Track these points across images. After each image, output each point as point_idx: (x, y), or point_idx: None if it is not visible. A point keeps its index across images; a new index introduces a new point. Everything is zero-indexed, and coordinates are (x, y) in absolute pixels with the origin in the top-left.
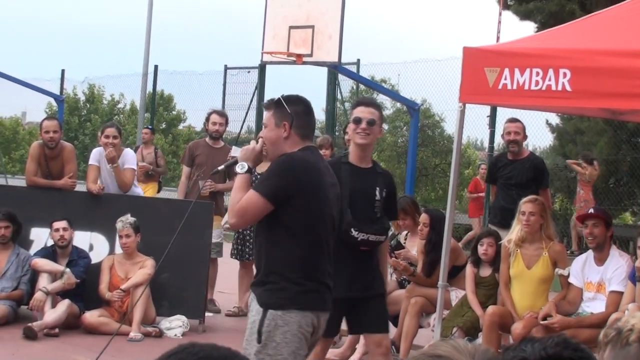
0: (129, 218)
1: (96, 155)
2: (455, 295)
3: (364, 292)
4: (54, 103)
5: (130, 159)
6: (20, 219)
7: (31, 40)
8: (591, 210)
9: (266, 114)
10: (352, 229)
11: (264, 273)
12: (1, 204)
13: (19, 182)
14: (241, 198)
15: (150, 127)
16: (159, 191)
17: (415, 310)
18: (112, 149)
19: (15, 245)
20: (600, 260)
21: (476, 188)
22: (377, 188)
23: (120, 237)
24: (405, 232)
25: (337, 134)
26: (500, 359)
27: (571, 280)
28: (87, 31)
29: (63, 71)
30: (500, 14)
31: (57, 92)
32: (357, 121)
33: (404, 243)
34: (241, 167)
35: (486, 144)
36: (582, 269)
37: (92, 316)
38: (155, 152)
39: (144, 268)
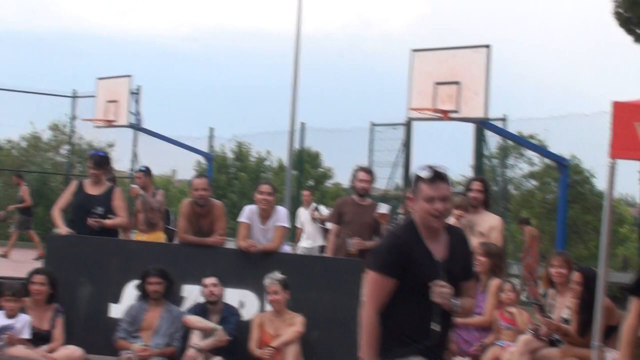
0: (277, 275)
1: (247, 212)
2: (611, 357)
3: None
4: (202, 161)
5: (282, 217)
6: (172, 276)
7: (180, 99)
8: None
9: (448, 186)
10: None
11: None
12: (154, 260)
13: None
14: None
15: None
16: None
17: None
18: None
19: (167, 302)
20: None
21: None
22: None
23: (269, 294)
24: (552, 290)
25: None
26: None
27: None
28: (234, 90)
29: (212, 129)
30: None
31: (206, 150)
32: None
33: (553, 301)
34: None
35: (638, 200)
36: None
37: None
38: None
39: (294, 325)
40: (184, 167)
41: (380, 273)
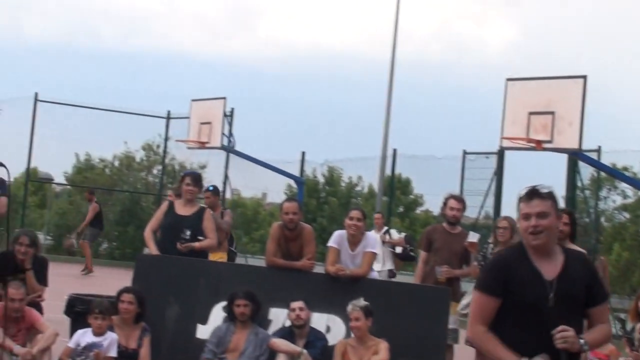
0: (360, 301)
1: (337, 237)
2: None
3: None
4: (293, 184)
5: (371, 242)
6: (259, 299)
7: (273, 122)
8: None
9: (546, 203)
10: None
11: None
12: (241, 283)
13: (258, 261)
14: None
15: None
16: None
17: None
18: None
19: (254, 325)
20: None
21: None
22: None
23: (351, 320)
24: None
25: None
26: None
27: None
28: (327, 114)
29: (303, 153)
30: None
31: (297, 174)
32: None
33: None
34: None
35: None
36: None
37: None
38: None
39: (378, 353)
40: (274, 190)
41: (482, 291)
